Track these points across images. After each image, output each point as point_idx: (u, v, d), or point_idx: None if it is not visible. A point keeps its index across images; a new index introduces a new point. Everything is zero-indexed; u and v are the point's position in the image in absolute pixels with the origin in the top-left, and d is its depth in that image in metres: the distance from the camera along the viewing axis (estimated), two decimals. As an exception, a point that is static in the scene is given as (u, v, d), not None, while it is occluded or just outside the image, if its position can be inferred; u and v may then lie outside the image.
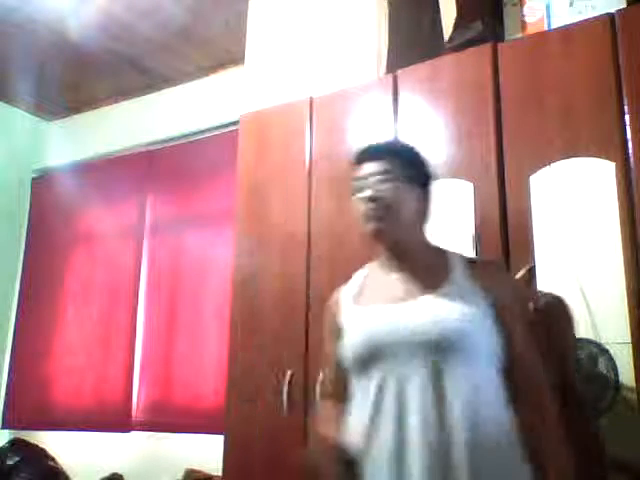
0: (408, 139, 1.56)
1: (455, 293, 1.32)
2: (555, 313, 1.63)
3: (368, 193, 1.38)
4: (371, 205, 1.36)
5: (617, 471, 1.54)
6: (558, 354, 1.52)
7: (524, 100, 1.85)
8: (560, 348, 1.55)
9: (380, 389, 1.29)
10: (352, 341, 1.36)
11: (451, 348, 1.27)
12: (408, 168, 1.41)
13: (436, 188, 1.47)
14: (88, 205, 3.80)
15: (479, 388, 1.27)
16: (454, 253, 1.44)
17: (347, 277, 1.97)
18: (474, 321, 1.30)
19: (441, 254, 1.44)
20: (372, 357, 1.32)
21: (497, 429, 1.26)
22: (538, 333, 1.40)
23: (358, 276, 1.49)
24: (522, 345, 1.33)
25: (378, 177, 1.38)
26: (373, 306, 1.39)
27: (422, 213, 1.43)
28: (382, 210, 1.36)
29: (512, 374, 1.32)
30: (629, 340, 1.58)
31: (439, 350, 1.27)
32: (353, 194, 1.42)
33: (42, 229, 3.97)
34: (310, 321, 2.07)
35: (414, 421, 1.24)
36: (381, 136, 1.52)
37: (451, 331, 1.28)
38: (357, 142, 2.14)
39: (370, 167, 1.40)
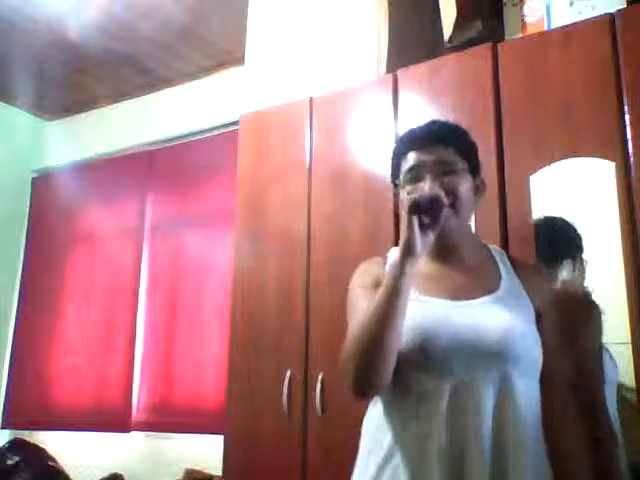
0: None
1: (512, 299, 1.26)
2: (573, 310, 1.62)
3: (427, 185, 1.25)
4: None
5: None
6: (572, 354, 1.47)
7: (524, 100, 1.85)
8: (575, 347, 1.53)
9: (434, 389, 1.18)
10: (409, 337, 1.20)
11: (519, 359, 1.20)
12: (464, 157, 1.30)
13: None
14: (88, 205, 3.81)
15: (534, 402, 1.23)
16: (495, 248, 1.39)
17: (347, 277, 1.97)
18: (533, 331, 1.24)
19: (485, 248, 1.38)
20: (432, 355, 1.19)
21: (539, 442, 1.22)
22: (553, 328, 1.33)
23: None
24: (555, 354, 1.28)
25: (435, 168, 1.27)
26: (429, 296, 1.26)
27: (474, 205, 1.34)
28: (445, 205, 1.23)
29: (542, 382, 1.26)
30: (629, 340, 1.57)
31: (508, 358, 1.19)
32: (402, 185, 1.31)
33: (42, 229, 3.97)
34: (310, 321, 2.07)
35: (471, 430, 1.15)
36: (424, 120, 1.41)
37: (520, 341, 1.20)
38: (357, 142, 2.15)
39: (422, 156, 1.28)
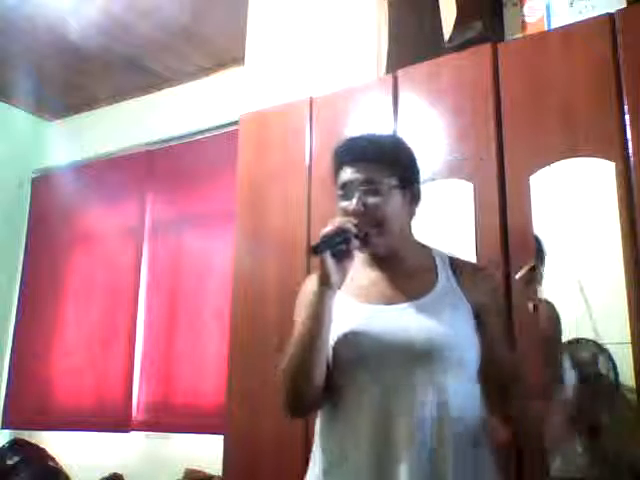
0: (405, 134, 1.49)
1: (444, 302, 1.30)
2: (549, 316, 1.65)
3: (352, 206, 1.30)
4: (356, 220, 1.28)
5: (617, 472, 1.54)
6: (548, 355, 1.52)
7: (524, 100, 1.85)
8: (552, 350, 1.56)
9: (361, 395, 1.24)
10: (338, 338, 1.28)
11: (444, 361, 1.24)
12: (393, 173, 1.33)
13: (427, 185, 1.43)
14: (88, 205, 3.81)
15: (465, 402, 1.26)
16: (438, 251, 1.42)
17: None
18: (465, 334, 1.28)
19: (426, 252, 1.41)
20: (356, 360, 1.26)
21: (478, 440, 1.26)
22: (533, 333, 1.39)
23: None
24: (502, 346, 1.35)
25: (361, 187, 1.31)
26: (361, 303, 1.32)
27: (410, 215, 1.38)
28: (368, 225, 1.29)
29: (490, 374, 1.31)
30: (629, 340, 1.57)
31: (432, 362, 1.24)
32: (338, 199, 1.35)
33: (42, 229, 3.97)
34: (310, 321, 2.07)
35: (400, 435, 1.19)
36: (360, 131, 1.47)
37: (446, 344, 1.24)
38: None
39: (352, 173, 1.33)
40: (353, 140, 1.40)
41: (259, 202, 2.30)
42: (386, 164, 1.33)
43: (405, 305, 1.29)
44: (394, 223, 1.33)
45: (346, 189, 1.33)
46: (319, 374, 1.25)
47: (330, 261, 1.23)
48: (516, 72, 1.89)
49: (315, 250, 1.23)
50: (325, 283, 1.24)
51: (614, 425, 1.58)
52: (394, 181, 1.33)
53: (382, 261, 1.37)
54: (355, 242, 1.26)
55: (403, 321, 1.27)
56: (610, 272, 1.63)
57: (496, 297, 1.44)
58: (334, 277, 1.24)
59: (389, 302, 1.31)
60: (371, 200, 1.31)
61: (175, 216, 3.50)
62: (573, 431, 1.62)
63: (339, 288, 1.26)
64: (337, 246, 1.24)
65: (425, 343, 1.24)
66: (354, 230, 1.26)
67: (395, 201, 1.33)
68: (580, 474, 1.60)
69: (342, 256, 1.25)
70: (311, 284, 1.34)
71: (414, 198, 1.38)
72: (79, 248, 3.81)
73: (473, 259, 1.76)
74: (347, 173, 1.34)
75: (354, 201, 1.31)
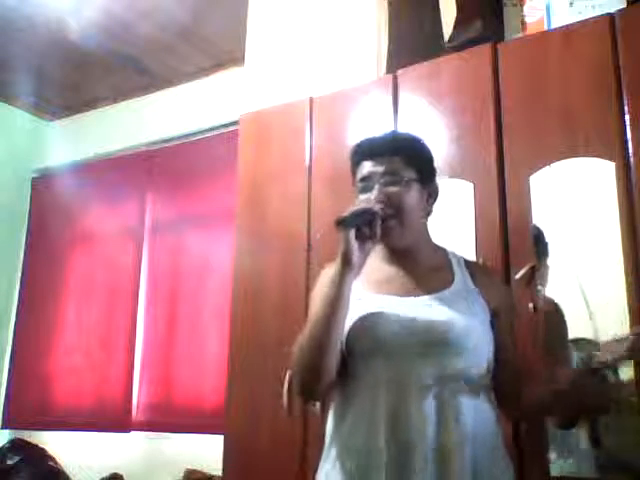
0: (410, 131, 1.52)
1: (461, 299, 1.30)
2: (554, 316, 1.65)
3: (373, 196, 1.31)
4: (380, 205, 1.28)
5: (617, 471, 1.55)
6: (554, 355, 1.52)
7: (524, 100, 1.85)
8: (557, 349, 1.56)
9: (376, 382, 1.24)
10: (354, 325, 1.27)
11: (461, 351, 1.24)
12: (414, 167, 1.35)
13: (440, 183, 1.43)
14: (88, 205, 3.81)
15: (479, 394, 1.27)
16: (453, 252, 1.43)
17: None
18: (482, 327, 1.29)
19: (441, 252, 1.42)
20: (373, 347, 1.26)
21: (493, 444, 1.27)
22: (536, 332, 1.39)
23: None
24: (511, 348, 1.37)
25: (382, 179, 1.32)
26: (378, 294, 1.32)
27: (426, 212, 1.39)
28: (389, 214, 1.29)
29: (502, 373, 1.33)
30: (629, 340, 1.57)
31: (449, 352, 1.24)
32: (357, 193, 1.36)
33: (42, 229, 3.97)
34: (310, 321, 2.07)
35: (413, 423, 1.19)
36: (381, 129, 1.48)
37: (464, 334, 1.25)
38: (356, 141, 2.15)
39: (372, 166, 1.34)
40: (372, 137, 1.41)
41: (259, 202, 2.30)
42: (405, 158, 1.35)
43: (425, 297, 1.30)
44: (412, 215, 1.33)
45: (366, 182, 1.34)
46: (334, 354, 1.23)
47: (353, 240, 1.22)
48: (516, 72, 1.89)
49: (341, 223, 1.21)
50: (347, 263, 1.22)
51: (614, 424, 1.57)
52: (413, 174, 1.34)
53: (399, 257, 1.37)
54: (379, 226, 1.25)
55: (422, 311, 1.27)
56: (610, 272, 1.63)
57: (510, 302, 1.45)
58: (355, 258, 1.22)
59: (408, 294, 1.31)
60: (392, 189, 1.31)
61: (175, 216, 3.50)
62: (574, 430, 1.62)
63: (358, 273, 1.25)
64: (362, 225, 1.23)
65: (444, 332, 1.24)
66: (380, 212, 1.26)
67: (414, 194, 1.34)
68: (581, 474, 1.61)
69: (364, 238, 1.24)
70: (325, 277, 1.32)
71: (431, 195, 1.39)
72: (79, 248, 3.81)
73: (473, 259, 1.77)
74: (367, 167, 1.35)
75: (375, 192, 1.31)
